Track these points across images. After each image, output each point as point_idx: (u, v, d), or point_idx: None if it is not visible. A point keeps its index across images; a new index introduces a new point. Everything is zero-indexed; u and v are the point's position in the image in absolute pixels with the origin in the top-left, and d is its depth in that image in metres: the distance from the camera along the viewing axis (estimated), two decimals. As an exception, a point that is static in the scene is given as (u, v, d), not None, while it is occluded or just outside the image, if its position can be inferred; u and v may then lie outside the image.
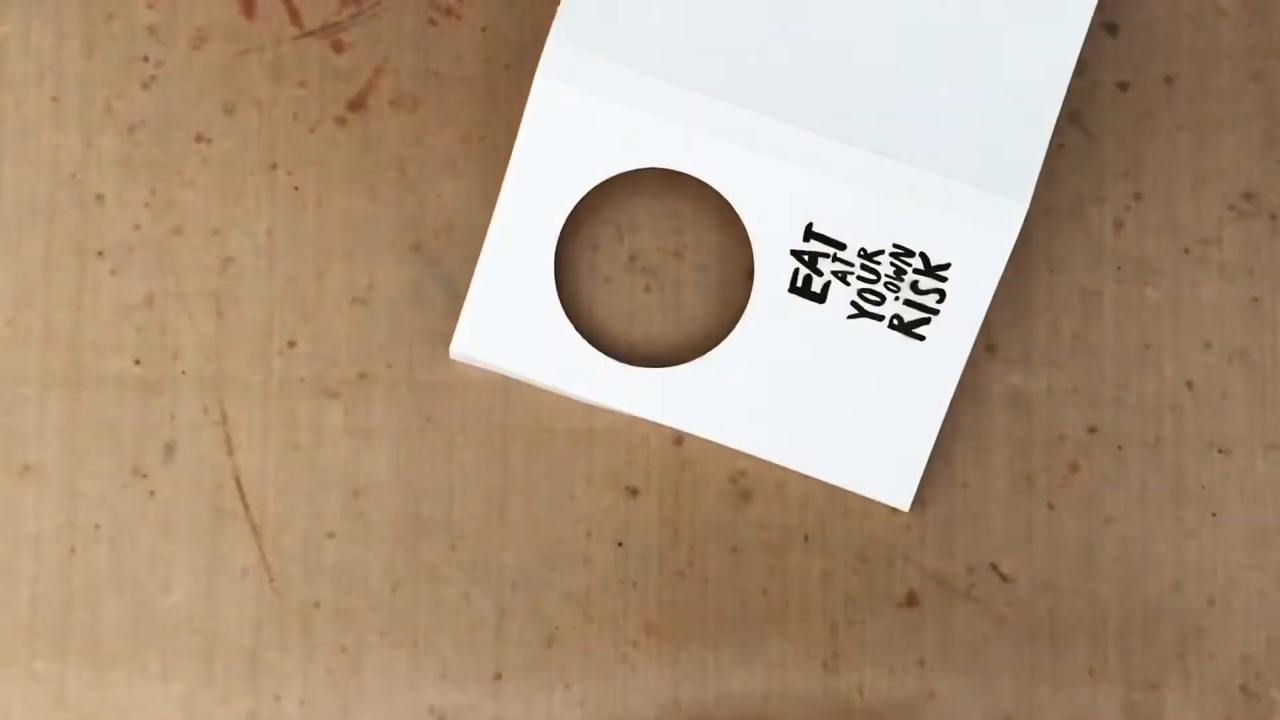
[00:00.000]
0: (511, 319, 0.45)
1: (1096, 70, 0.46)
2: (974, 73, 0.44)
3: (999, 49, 0.44)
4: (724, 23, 0.44)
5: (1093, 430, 0.46)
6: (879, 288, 0.44)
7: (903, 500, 0.45)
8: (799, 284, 0.44)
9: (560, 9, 0.44)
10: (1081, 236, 0.46)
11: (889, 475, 0.45)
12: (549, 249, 0.45)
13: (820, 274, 0.44)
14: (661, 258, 0.46)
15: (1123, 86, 0.46)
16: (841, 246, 0.44)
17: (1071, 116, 0.46)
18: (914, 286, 0.44)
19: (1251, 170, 0.46)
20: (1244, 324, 0.46)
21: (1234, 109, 0.46)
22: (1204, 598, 0.45)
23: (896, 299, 0.44)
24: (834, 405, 0.44)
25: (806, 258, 0.44)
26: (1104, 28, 0.47)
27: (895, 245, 0.44)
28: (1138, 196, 0.46)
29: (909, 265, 0.44)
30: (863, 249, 0.44)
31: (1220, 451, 0.46)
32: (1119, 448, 0.46)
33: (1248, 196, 0.46)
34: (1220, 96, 0.46)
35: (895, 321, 0.44)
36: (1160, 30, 0.47)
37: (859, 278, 0.44)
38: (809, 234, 0.44)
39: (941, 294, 0.44)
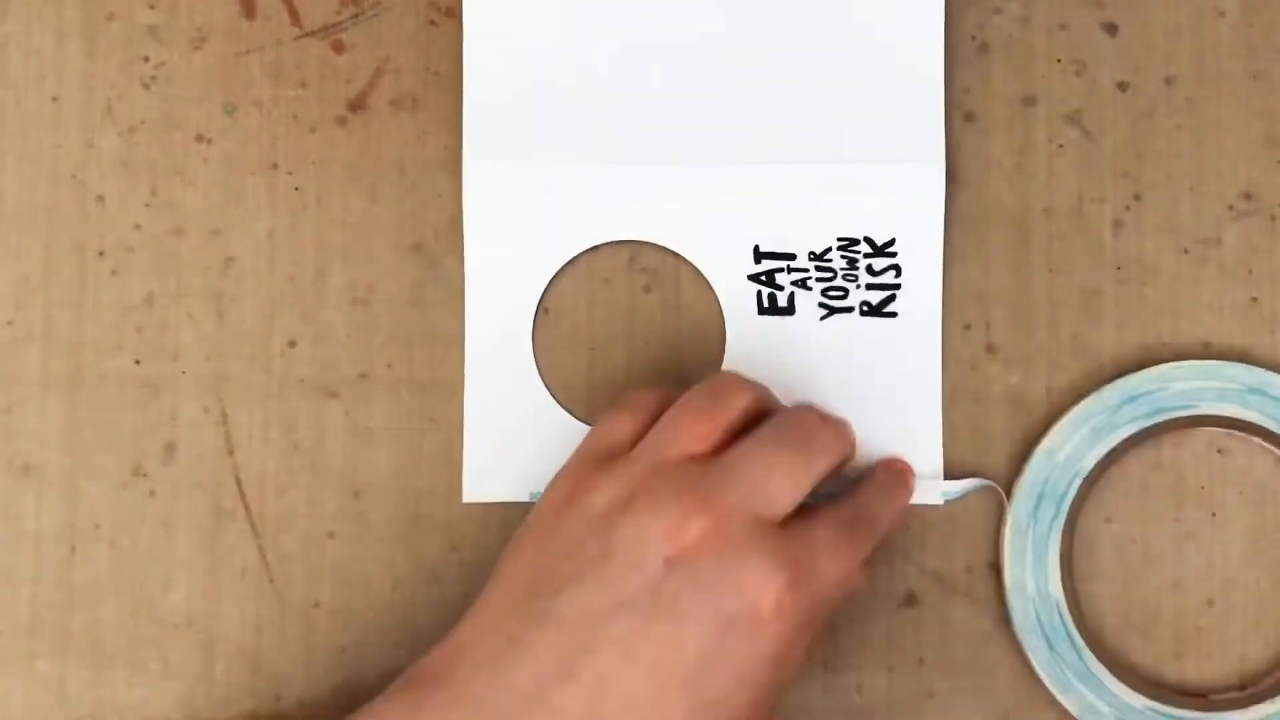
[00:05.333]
0: (512, 448, 0.45)
1: (1096, 70, 0.46)
2: (855, 63, 0.45)
3: (869, 35, 0.45)
4: (616, 93, 0.45)
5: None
6: (839, 282, 0.45)
7: (934, 496, 0.45)
8: (765, 304, 0.45)
9: (464, 127, 0.45)
10: (1081, 236, 0.46)
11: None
12: (528, 355, 0.45)
13: (781, 288, 0.45)
14: (661, 258, 0.46)
15: (1123, 86, 0.46)
16: (791, 257, 0.45)
17: (1071, 116, 0.46)
18: (870, 270, 0.45)
19: (1251, 170, 0.46)
20: (1244, 324, 0.46)
21: (1234, 109, 0.46)
22: (1204, 598, 0.45)
23: (858, 287, 0.45)
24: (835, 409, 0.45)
25: (764, 278, 0.45)
26: (1104, 28, 0.47)
27: (839, 239, 0.45)
28: (1138, 196, 0.46)
29: (859, 253, 0.45)
30: (811, 252, 0.45)
31: (1220, 451, 0.46)
32: (1119, 448, 0.46)
33: (1248, 196, 0.46)
34: (1220, 96, 0.46)
35: (865, 307, 0.45)
36: (1160, 30, 0.47)
37: (817, 279, 0.45)
38: (758, 255, 0.45)
39: (897, 269, 0.45)
